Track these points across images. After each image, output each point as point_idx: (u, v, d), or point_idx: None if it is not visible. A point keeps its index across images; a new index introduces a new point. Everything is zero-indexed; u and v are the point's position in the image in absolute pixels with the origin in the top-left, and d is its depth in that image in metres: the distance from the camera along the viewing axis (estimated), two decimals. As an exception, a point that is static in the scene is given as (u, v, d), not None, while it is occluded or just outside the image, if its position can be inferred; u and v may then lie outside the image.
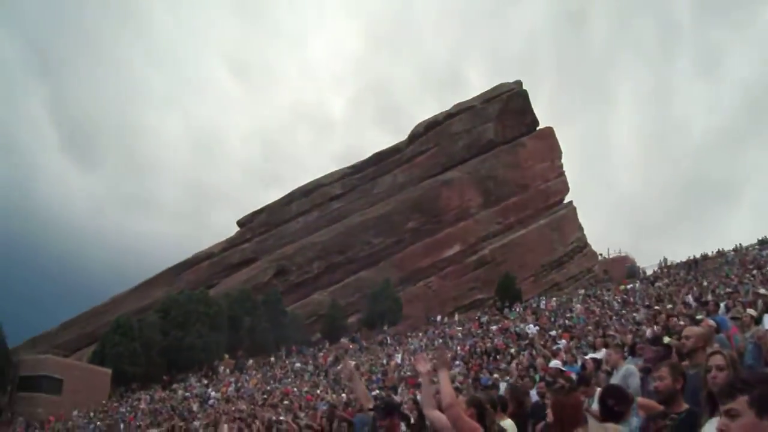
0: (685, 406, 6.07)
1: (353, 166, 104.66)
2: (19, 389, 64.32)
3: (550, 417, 7.52)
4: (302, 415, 24.36)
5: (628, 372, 10.51)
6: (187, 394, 57.41)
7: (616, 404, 8.10)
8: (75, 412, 57.65)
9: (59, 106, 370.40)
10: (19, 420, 57.61)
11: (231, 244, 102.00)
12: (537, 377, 17.09)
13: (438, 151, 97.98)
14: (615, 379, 10.63)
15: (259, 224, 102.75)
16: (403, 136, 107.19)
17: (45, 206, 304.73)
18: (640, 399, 8.17)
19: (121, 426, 45.06)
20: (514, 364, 22.47)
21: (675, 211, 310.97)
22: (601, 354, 15.86)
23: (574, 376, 13.29)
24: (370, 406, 9.33)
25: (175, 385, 64.69)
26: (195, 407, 47.24)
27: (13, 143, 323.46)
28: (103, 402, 62.25)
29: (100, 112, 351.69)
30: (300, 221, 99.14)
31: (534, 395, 13.96)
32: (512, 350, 31.12)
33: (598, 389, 9.77)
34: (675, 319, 18.97)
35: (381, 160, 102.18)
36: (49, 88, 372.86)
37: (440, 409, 6.39)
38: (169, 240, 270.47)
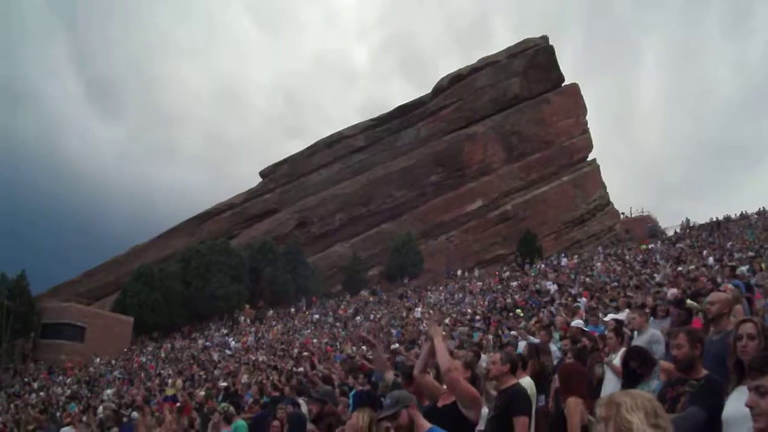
0: (704, 372, 6.00)
1: (376, 119, 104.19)
2: (42, 336, 65.22)
3: (556, 383, 7.48)
4: (320, 366, 24.38)
5: (654, 338, 10.47)
6: (207, 343, 57.96)
7: (639, 366, 8.06)
8: (97, 360, 58.28)
9: (83, 57, 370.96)
10: (42, 366, 58.31)
11: (253, 194, 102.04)
12: (557, 335, 17.01)
13: (462, 105, 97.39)
14: (639, 341, 10.56)
15: (281, 175, 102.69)
16: (426, 89, 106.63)
17: (69, 157, 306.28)
18: (662, 363, 8.12)
19: (142, 374, 45.39)
20: (533, 321, 22.43)
21: (699, 172, 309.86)
22: (623, 315, 15.76)
23: (597, 335, 13.25)
24: (390, 374, 9.36)
25: (195, 335, 65.26)
26: (215, 356, 47.59)
27: (37, 95, 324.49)
28: (125, 350, 62.94)
29: (123, 63, 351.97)
30: (322, 173, 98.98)
31: (554, 351, 13.90)
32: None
33: (622, 349, 9.72)
34: (700, 281, 18.87)
35: (404, 113, 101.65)
36: (73, 40, 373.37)
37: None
38: (191, 190, 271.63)
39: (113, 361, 56.97)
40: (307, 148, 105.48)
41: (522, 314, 29.15)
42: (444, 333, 8.12)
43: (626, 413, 3.16)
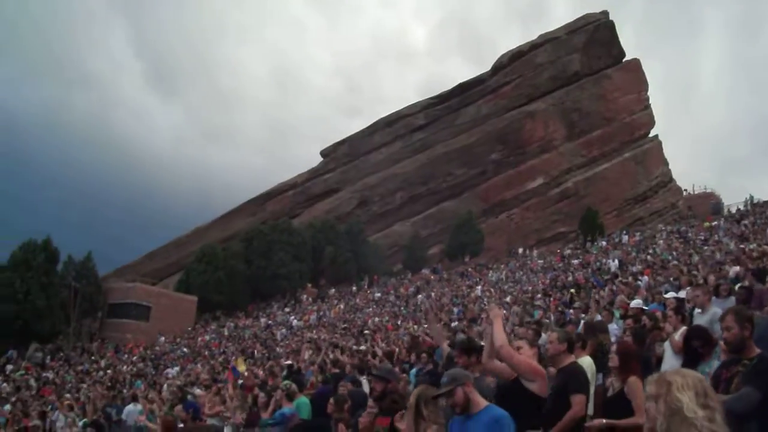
0: (757, 350, 5.99)
1: (436, 97, 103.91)
2: (109, 316, 66.41)
3: (615, 362, 7.62)
4: (382, 344, 24.66)
5: (716, 317, 10.35)
6: (270, 322, 58.56)
7: (700, 346, 8.16)
8: (161, 338, 59.26)
9: (141, 39, 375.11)
10: (109, 345, 59.51)
11: (314, 174, 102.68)
12: (617, 313, 17.07)
13: (522, 82, 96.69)
14: (701, 321, 10.60)
15: (342, 155, 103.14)
16: (486, 67, 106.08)
17: (129, 140, 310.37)
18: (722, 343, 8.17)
19: (206, 352, 46.12)
20: (593, 300, 22.42)
21: (763, 148, 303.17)
22: (684, 293, 15.76)
23: (659, 314, 13.28)
24: (445, 345, 9.57)
25: (258, 313, 66.00)
26: (278, 335, 48.11)
27: (96, 78, 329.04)
28: (189, 328, 63.87)
29: (181, 45, 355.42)
30: (383, 152, 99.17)
31: (614, 330, 13.99)
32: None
33: (683, 328, 9.83)
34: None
35: (464, 90, 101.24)
36: (131, 22, 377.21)
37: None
38: (251, 171, 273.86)
39: (178, 340, 58.00)
40: (367, 128, 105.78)
41: (575, 292, 29.15)
42: (505, 312, 8.27)
43: (677, 392, 3.26)
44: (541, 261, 57.89)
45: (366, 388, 13.07)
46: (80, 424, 19.49)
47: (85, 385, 35.07)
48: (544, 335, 12.95)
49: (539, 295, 34.30)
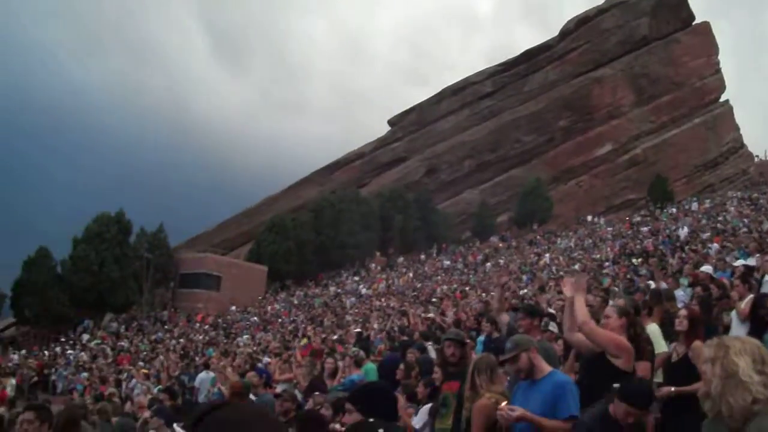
0: None
1: (503, 64, 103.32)
2: (181, 286, 67.67)
3: (683, 326, 7.88)
4: (450, 312, 24.90)
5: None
6: (339, 290, 59.13)
7: (767, 314, 8.35)
8: (232, 307, 60.34)
9: (209, 14, 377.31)
10: (181, 314, 60.84)
11: (382, 143, 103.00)
12: (685, 281, 17.22)
13: (589, 47, 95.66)
14: (768, 288, 10.64)
15: (409, 123, 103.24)
16: (552, 33, 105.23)
17: (199, 114, 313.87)
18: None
19: (278, 321, 46.84)
20: (661, 268, 22.36)
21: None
22: (753, 260, 15.82)
23: (727, 282, 13.42)
24: (504, 317, 9.83)
25: (327, 282, 66.76)
26: (347, 303, 48.66)
27: (165, 54, 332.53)
28: (259, 297, 64.82)
29: (248, 18, 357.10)
30: (450, 120, 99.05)
31: (681, 297, 14.19)
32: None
33: (750, 296, 10.01)
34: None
35: (531, 57, 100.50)
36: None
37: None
38: (320, 141, 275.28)
39: (248, 309, 58.97)
40: (435, 96, 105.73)
41: (637, 262, 29.18)
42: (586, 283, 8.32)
43: (734, 356, 3.28)
44: (610, 228, 57.66)
45: (433, 355, 12.98)
46: (155, 390, 20.15)
47: (158, 354, 36.20)
48: (611, 302, 13.08)
49: (608, 263, 34.38)
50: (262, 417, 2.04)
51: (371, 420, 3.46)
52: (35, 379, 30.31)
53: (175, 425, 2.84)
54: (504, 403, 6.15)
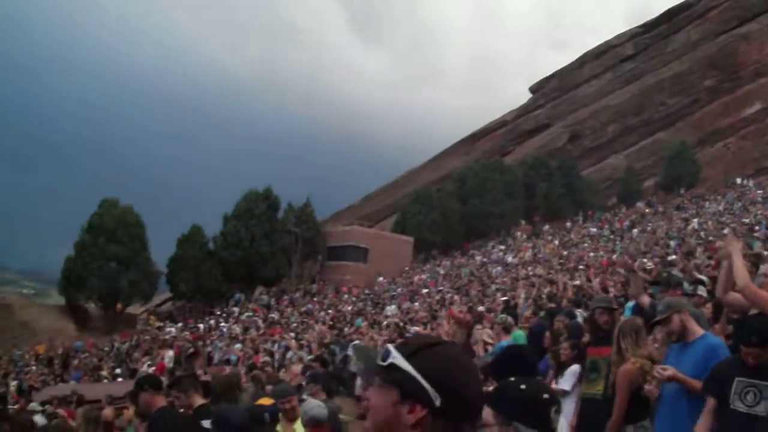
0: None
1: (644, 25, 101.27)
2: (328, 258, 69.55)
3: None
4: (596, 280, 25.01)
5: None
6: (485, 259, 59.75)
7: None
8: (380, 278, 61.72)
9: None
10: (329, 286, 62.72)
11: (524, 111, 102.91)
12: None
13: (732, 3, 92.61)
14: None
15: (551, 89, 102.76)
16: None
17: (338, 88, 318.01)
18: None
19: (424, 291, 47.38)
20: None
21: None
22: None
23: None
24: (644, 299, 10.08)
25: (473, 252, 67.51)
26: (493, 272, 49.01)
27: (301, 31, 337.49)
28: (405, 268, 66.11)
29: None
30: (593, 84, 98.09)
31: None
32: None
33: None
34: None
35: (672, 16, 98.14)
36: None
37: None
38: (460, 111, 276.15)
39: (396, 280, 60.06)
40: (575, 61, 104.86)
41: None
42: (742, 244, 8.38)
43: None
44: (760, 191, 56.66)
45: (581, 320, 12.80)
46: (306, 359, 21.21)
47: (308, 326, 37.84)
48: (762, 267, 13.03)
49: (758, 227, 34.14)
50: (466, 356, 2.26)
51: (512, 379, 3.39)
52: (191, 350, 32.23)
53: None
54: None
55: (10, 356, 47.66)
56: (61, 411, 15.10)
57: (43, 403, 16.81)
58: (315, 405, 7.56)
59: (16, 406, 19.73)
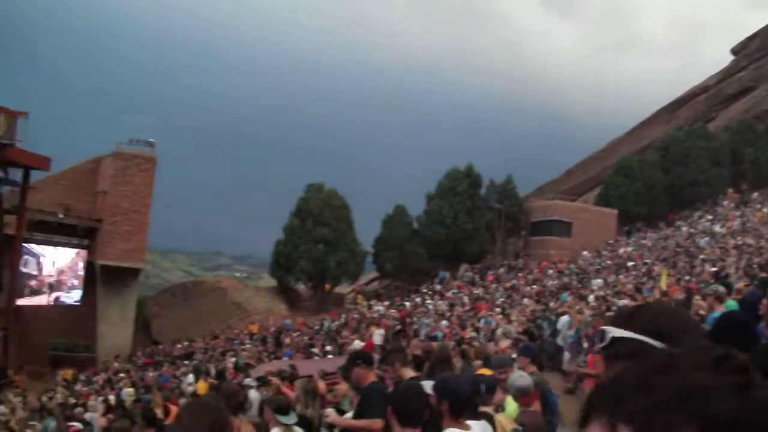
0: None
1: None
2: (532, 234, 69.75)
3: None
4: None
5: None
6: (692, 230, 58.42)
7: None
8: (584, 252, 61.36)
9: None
10: (533, 261, 62.80)
11: (726, 74, 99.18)
12: None
13: None
14: None
15: (754, 50, 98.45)
16: None
17: (535, 64, 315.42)
18: None
19: (630, 263, 46.83)
20: None
21: None
22: None
23: None
24: None
25: (679, 222, 66.06)
26: (701, 243, 48.10)
27: (499, 9, 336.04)
28: (610, 241, 65.46)
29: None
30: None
31: None
32: None
33: None
34: None
35: None
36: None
37: None
38: (659, 78, 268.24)
39: (603, 253, 59.30)
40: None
41: None
42: None
43: None
44: None
45: None
46: (514, 333, 21.81)
47: (515, 300, 38.32)
48: None
49: None
50: (677, 307, 2.37)
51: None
52: (399, 327, 33.23)
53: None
54: None
55: (227, 335, 51.08)
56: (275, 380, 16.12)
57: (258, 379, 18.01)
58: (519, 376, 7.95)
59: (234, 381, 21.39)
